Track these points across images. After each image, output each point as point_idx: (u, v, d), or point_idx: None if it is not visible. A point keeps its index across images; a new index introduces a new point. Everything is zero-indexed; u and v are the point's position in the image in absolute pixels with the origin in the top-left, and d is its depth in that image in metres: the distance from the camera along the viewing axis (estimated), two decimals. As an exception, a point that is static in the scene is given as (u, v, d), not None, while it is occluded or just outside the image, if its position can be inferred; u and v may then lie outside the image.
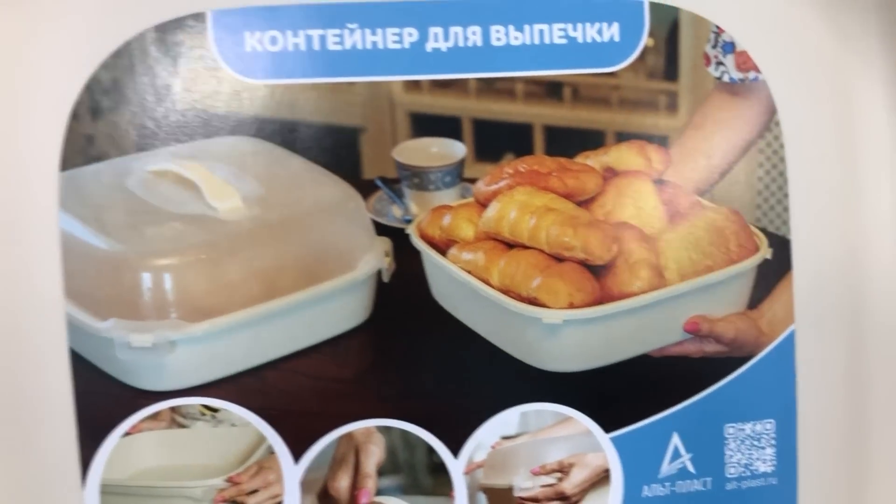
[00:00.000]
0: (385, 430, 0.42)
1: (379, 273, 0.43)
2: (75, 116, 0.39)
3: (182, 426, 0.41)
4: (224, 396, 0.41)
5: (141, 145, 0.40)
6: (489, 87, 0.42)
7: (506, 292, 0.43)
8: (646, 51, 0.42)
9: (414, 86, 0.42)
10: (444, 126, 0.43)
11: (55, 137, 0.39)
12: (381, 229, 0.43)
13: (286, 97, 0.40)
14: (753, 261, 0.44)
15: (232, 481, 0.41)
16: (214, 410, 0.41)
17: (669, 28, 0.43)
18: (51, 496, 0.40)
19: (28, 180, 0.39)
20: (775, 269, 0.45)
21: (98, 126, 0.40)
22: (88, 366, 0.40)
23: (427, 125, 0.43)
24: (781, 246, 0.45)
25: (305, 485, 0.41)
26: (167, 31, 0.39)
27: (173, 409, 0.41)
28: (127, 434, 0.41)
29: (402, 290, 0.43)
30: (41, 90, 0.39)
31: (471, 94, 0.42)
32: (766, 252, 0.45)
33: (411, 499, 0.42)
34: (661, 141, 0.44)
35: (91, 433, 0.40)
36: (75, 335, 0.39)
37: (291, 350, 0.42)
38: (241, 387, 0.42)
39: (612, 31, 0.42)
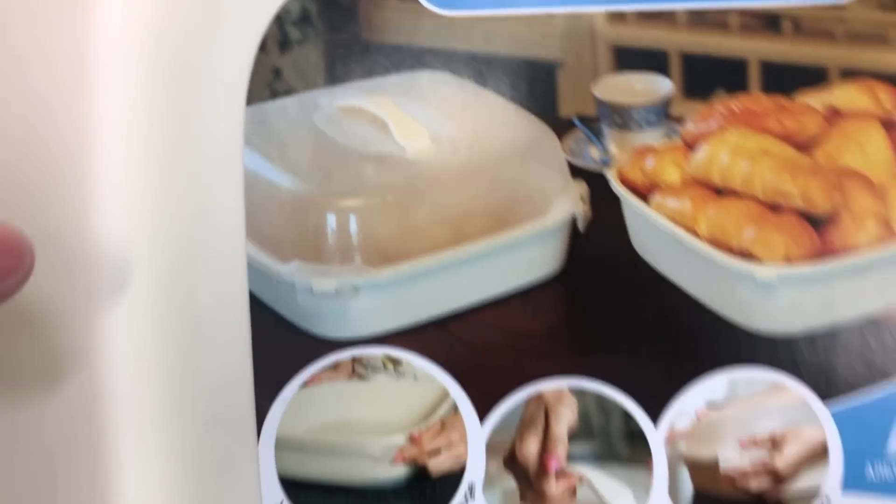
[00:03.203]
0: (578, 393, 0.40)
1: (574, 220, 0.41)
2: (263, 48, 0.39)
3: (363, 378, 0.40)
4: (407, 347, 0.41)
5: (330, 79, 0.40)
6: (701, 19, 0.40)
7: (715, 244, 0.42)
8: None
9: (618, 17, 0.40)
10: (649, 60, 0.41)
11: (242, 70, 0.38)
12: (577, 172, 0.41)
13: (480, 29, 0.39)
14: None
15: (413, 439, 0.39)
16: (397, 363, 0.40)
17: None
18: (224, 449, 0.39)
19: (213, 114, 0.38)
20: None
21: (286, 59, 0.39)
22: (268, 311, 0.39)
23: (631, 59, 0.41)
24: None
25: (491, 447, 0.40)
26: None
27: (355, 360, 0.40)
28: (306, 385, 0.39)
29: (599, 239, 0.41)
30: (230, 21, 0.38)
31: (680, 27, 0.40)
32: None
33: (607, 467, 0.40)
34: (893, 80, 0.41)
35: (268, 383, 0.39)
36: (255, 278, 0.39)
37: (479, 300, 0.41)
38: (426, 338, 0.41)
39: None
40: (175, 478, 0.39)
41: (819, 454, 0.41)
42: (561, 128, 0.41)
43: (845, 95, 0.42)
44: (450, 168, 0.40)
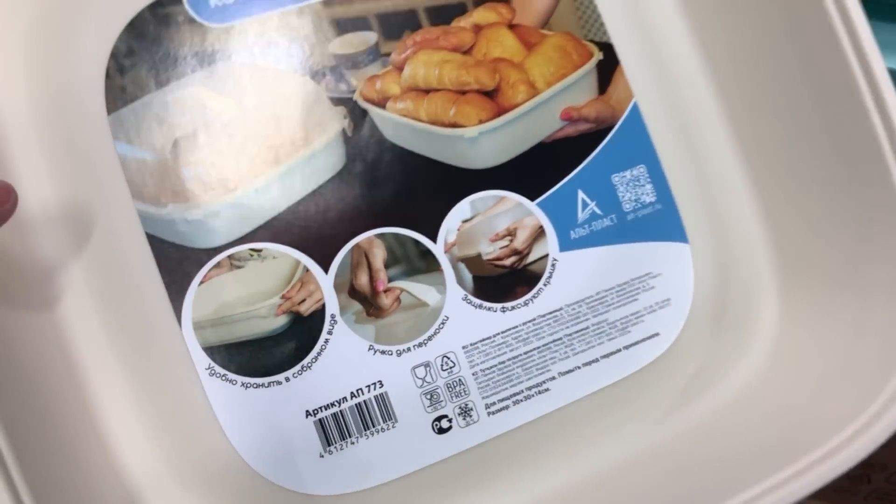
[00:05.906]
0: (382, 236, 0.54)
1: (344, 131, 0.55)
2: (108, 76, 0.52)
3: (240, 267, 0.52)
4: (263, 239, 0.53)
5: (158, 84, 0.52)
6: (380, -8, 0.58)
7: (434, 123, 0.56)
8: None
9: (329, 2, 0.56)
10: (357, 23, 0.56)
11: (98, 92, 0.52)
12: (337, 101, 0.55)
13: (245, 33, 0.54)
14: (592, 63, 0.59)
15: (285, 297, 0.53)
16: (259, 251, 0.53)
17: None
18: (157, 338, 0.51)
19: (86, 126, 0.52)
20: (609, 63, 0.59)
21: (126, 79, 0.52)
22: (162, 241, 0.52)
23: (346, 25, 0.56)
24: (608, 48, 0.60)
25: (337, 287, 0.54)
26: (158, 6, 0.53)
27: (230, 257, 0.52)
28: (202, 282, 0.52)
29: (365, 138, 0.55)
30: (80, 59, 0.52)
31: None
32: (598, 55, 0.59)
33: (415, 278, 0.55)
34: (506, 0, 0.59)
35: (176, 288, 0.52)
36: (147, 222, 0.52)
37: (301, 196, 0.53)
38: (273, 230, 0.53)
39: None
40: (126, 367, 0.51)
41: (540, 233, 0.57)
42: (318, 77, 0.55)
43: (481, 15, 0.57)
44: (257, 118, 0.53)
